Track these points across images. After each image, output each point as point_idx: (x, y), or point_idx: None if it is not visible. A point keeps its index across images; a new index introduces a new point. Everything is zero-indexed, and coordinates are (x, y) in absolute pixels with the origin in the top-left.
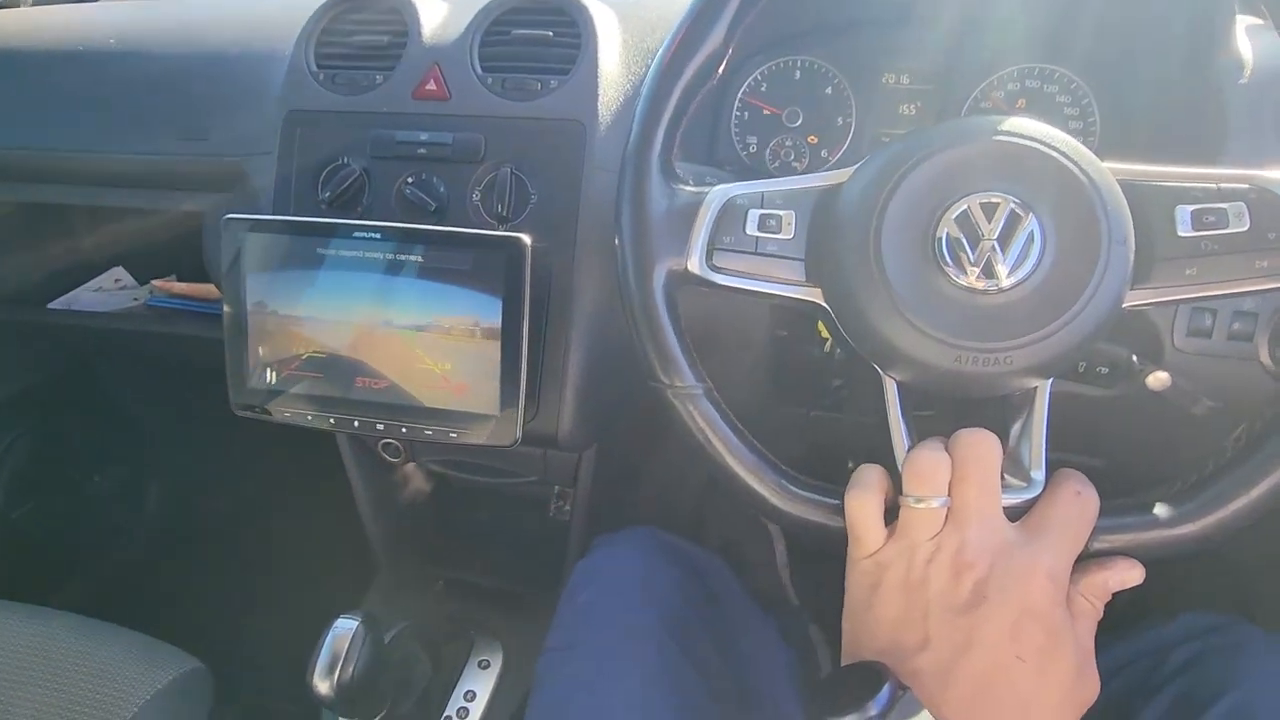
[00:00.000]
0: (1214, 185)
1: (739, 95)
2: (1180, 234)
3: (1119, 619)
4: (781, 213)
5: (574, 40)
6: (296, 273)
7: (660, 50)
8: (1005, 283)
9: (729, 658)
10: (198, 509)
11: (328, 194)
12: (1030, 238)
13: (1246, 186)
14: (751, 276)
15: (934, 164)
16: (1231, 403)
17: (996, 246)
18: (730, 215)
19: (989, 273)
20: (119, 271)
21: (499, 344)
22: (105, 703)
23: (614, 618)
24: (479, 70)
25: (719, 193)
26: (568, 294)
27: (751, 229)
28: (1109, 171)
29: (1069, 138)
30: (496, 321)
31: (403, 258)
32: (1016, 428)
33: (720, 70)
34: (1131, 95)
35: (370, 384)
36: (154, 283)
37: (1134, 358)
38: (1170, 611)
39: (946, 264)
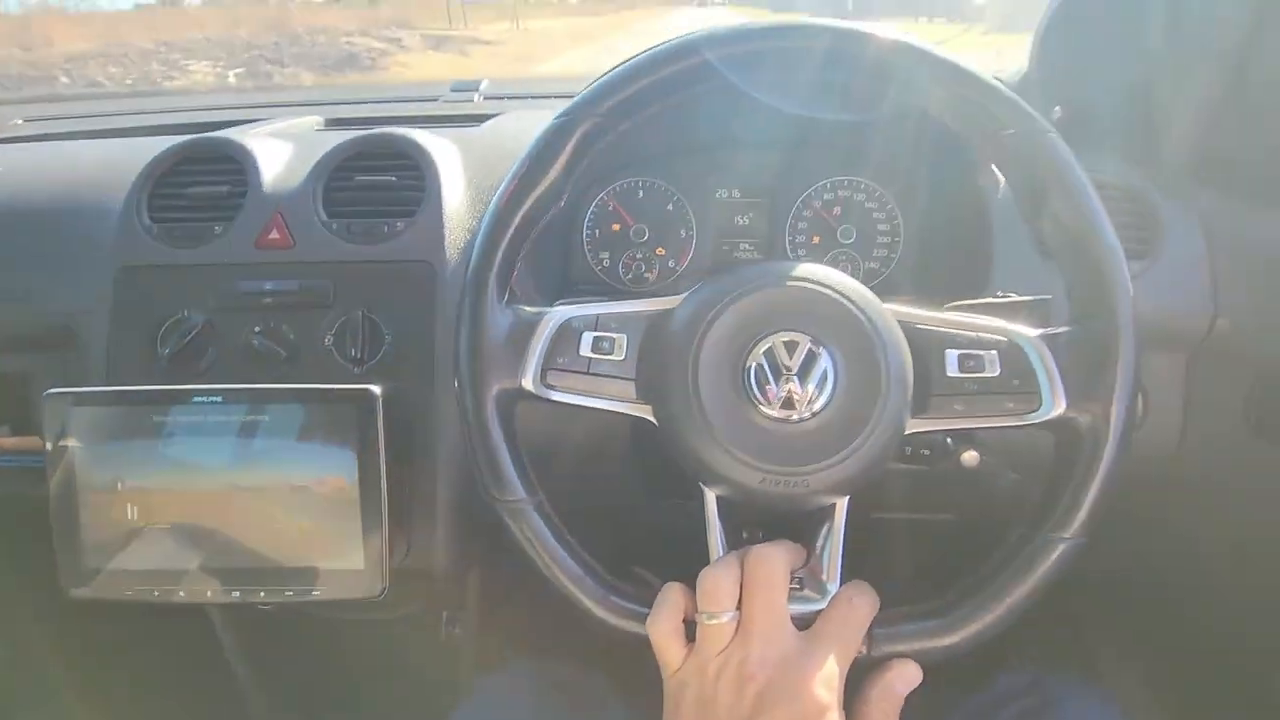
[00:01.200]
0: (974, 333)
1: (588, 215)
2: (949, 374)
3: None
4: (615, 335)
5: (417, 182)
6: (133, 444)
7: (500, 187)
8: (803, 414)
9: None
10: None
11: (168, 350)
12: (824, 375)
13: (1000, 338)
14: (585, 394)
15: (744, 305)
16: (1031, 476)
17: (796, 381)
18: (565, 337)
19: (789, 405)
20: None
21: (357, 496)
22: None
23: None
24: (323, 216)
25: (555, 315)
26: (430, 427)
27: (585, 350)
28: (891, 315)
29: (857, 285)
30: (353, 475)
31: (248, 419)
32: (820, 540)
33: (561, 202)
34: (926, 203)
35: (222, 551)
36: None
37: (948, 440)
38: (987, 671)
39: (754, 395)
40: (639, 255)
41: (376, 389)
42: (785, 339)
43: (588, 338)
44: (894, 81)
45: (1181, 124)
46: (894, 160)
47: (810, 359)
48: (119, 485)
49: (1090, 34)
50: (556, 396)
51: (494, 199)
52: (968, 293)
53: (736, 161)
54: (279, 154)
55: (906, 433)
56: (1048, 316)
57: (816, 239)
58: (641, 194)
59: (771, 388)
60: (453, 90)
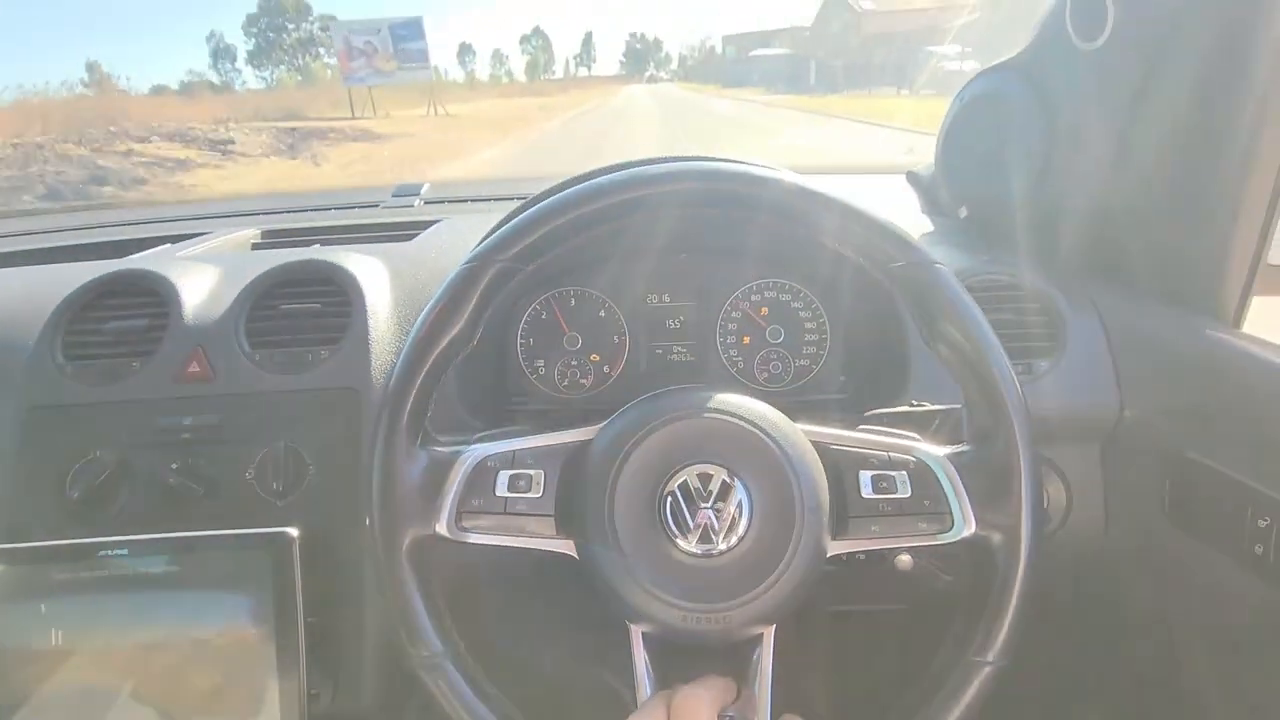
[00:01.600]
0: (886, 454)
1: (522, 324)
2: (864, 495)
3: None
4: (532, 472)
5: (342, 309)
6: (30, 605)
7: (413, 329)
8: (720, 547)
9: None
10: None
11: (77, 493)
12: (739, 507)
13: (909, 458)
14: (503, 533)
15: (658, 438)
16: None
17: (711, 515)
18: (480, 477)
19: (706, 539)
20: None
21: (273, 647)
22: None
23: None
24: (245, 348)
25: (469, 455)
26: (357, 560)
27: (501, 490)
28: (805, 439)
29: (770, 412)
30: (268, 623)
31: (157, 571)
32: (751, 669)
33: (474, 342)
34: (849, 303)
35: (129, 713)
36: None
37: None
38: None
39: (671, 531)
40: (574, 362)
41: (293, 531)
42: (700, 471)
43: (503, 477)
44: (793, 221)
45: (1072, 225)
46: (816, 265)
47: (725, 492)
48: (14, 647)
49: (985, 139)
50: (474, 539)
51: (406, 343)
52: (890, 392)
53: (665, 267)
54: (202, 282)
55: (829, 554)
56: (959, 426)
57: (747, 339)
58: (574, 302)
59: (686, 522)
60: (394, 195)
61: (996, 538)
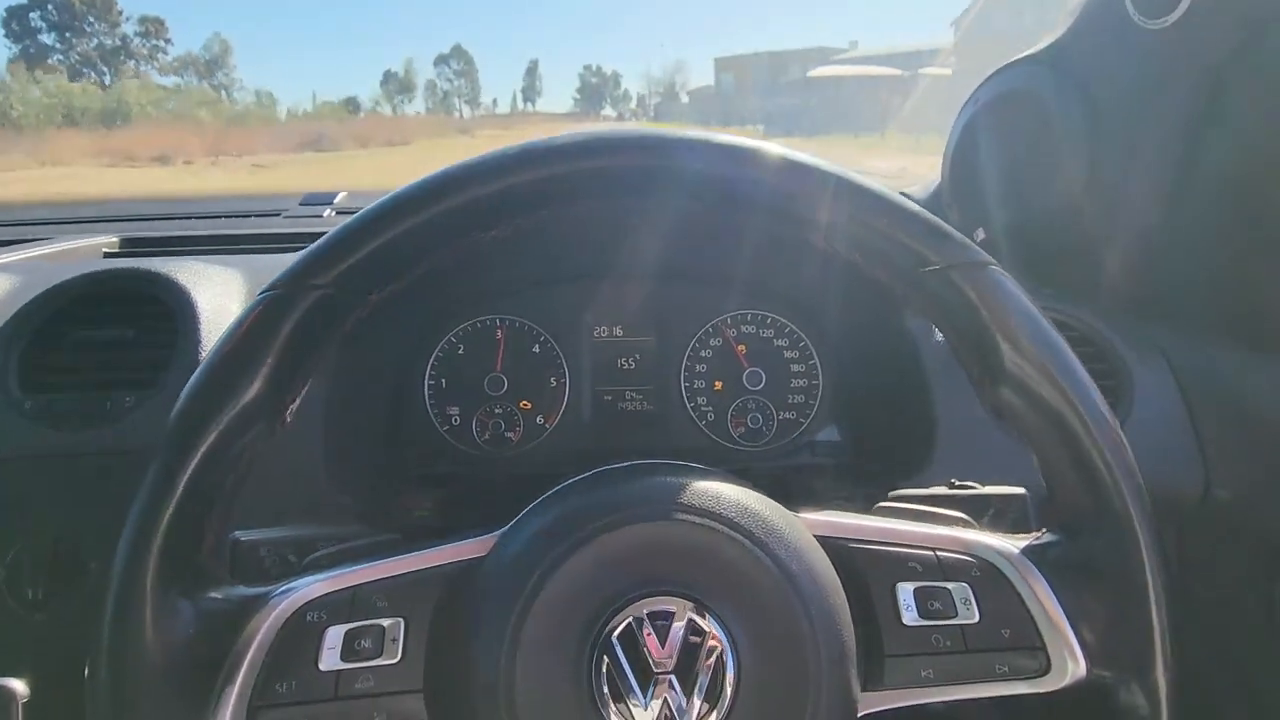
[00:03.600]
0: (933, 553)
1: (431, 361)
2: (907, 622)
3: None
4: (385, 622)
5: (166, 337)
6: None
7: (178, 403)
8: None
9: None
10: None
11: None
12: (718, 664)
13: (968, 558)
14: None
15: (586, 556)
16: None
17: (674, 683)
18: (296, 640)
19: None
20: None
21: None
22: None
23: None
24: (14, 392)
25: (273, 607)
26: None
27: (331, 661)
28: (811, 539)
29: (757, 503)
30: None
31: None
32: None
33: (285, 419)
34: (846, 346)
35: None
36: None
37: None
38: None
39: (607, 710)
40: (498, 410)
41: (18, 685)
42: (654, 607)
43: (335, 636)
44: (775, 208)
45: (1123, 252)
46: (805, 290)
47: (693, 643)
48: None
49: (1007, 148)
50: None
51: (168, 422)
52: (907, 459)
53: (616, 293)
54: None
55: (860, 715)
56: (1024, 518)
57: (719, 385)
58: (499, 334)
59: (637, 694)
60: (301, 204)
61: (1123, 685)
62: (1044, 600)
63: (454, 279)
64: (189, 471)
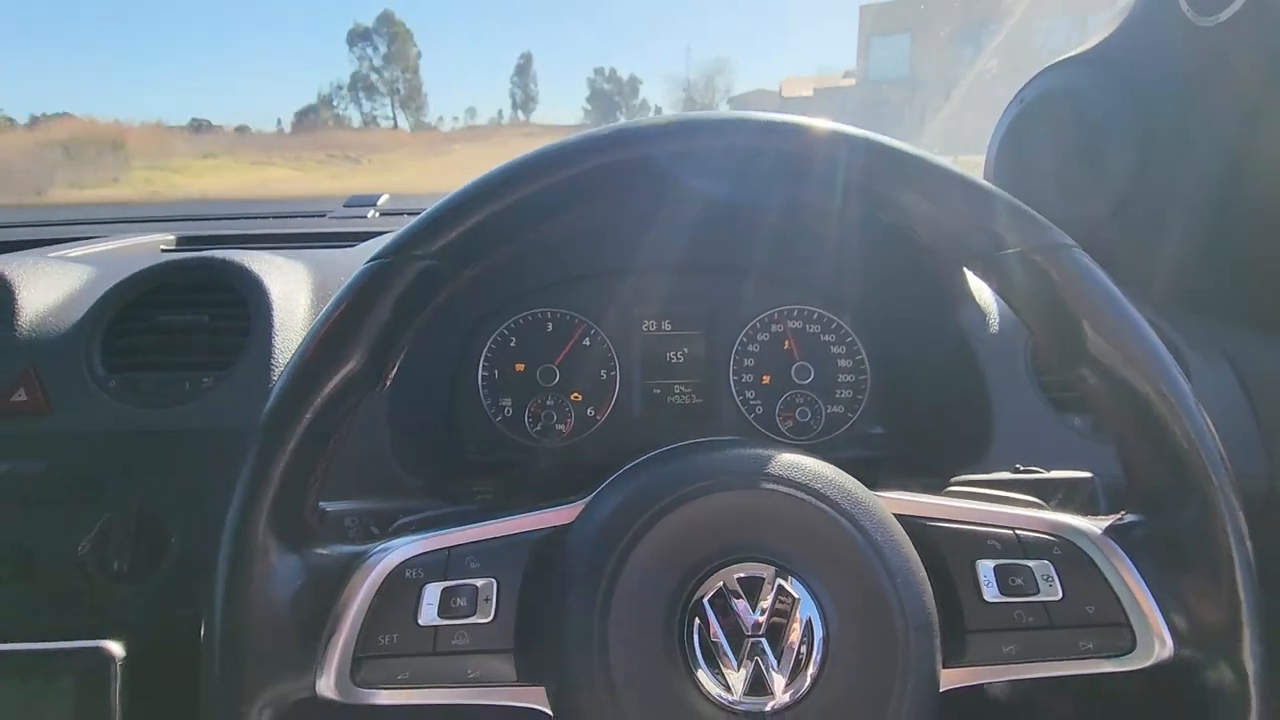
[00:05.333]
0: (1013, 532)
1: (484, 353)
2: (988, 598)
3: None
4: (478, 582)
5: (239, 324)
6: None
7: (288, 363)
8: (780, 700)
9: None
10: None
11: None
12: (808, 630)
13: (1050, 537)
14: (433, 685)
15: (674, 521)
16: None
17: (765, 647)
18: (396, 596)
19: (757, 685)
20: None
21: None
22: None
23: None
24: (99, 371)
25: (376, 562)
26: None
27: (429, 615)
28: (891, 516)
29: (840, 477)
30: None
31: None
32: None
33: (384, 385)
34: (894, 341)
35: None
36: None
37: None
38: None
39: (699, 670)
40: (549, 402)
41: (113, 647)
42: (744, 573)
43: (432, 593)
44: (847, 188)
45: (1178, 252)
46: (852, 286)
47: (784, 605)
48: None
49: (1053, 147)
50: (384, 699)
51: (274, 388)
52: (962, 453)
53: (665, 287)
54: (57, 284)
55: (941, 690)
56: (1093, 501)
57: (767, 379)
58: (550, 327)
59: (727, 658)
60: (345, 205)
61: (1210, 664)
62: (1128, 578)
63: (507, 272)
64: (299, 433)
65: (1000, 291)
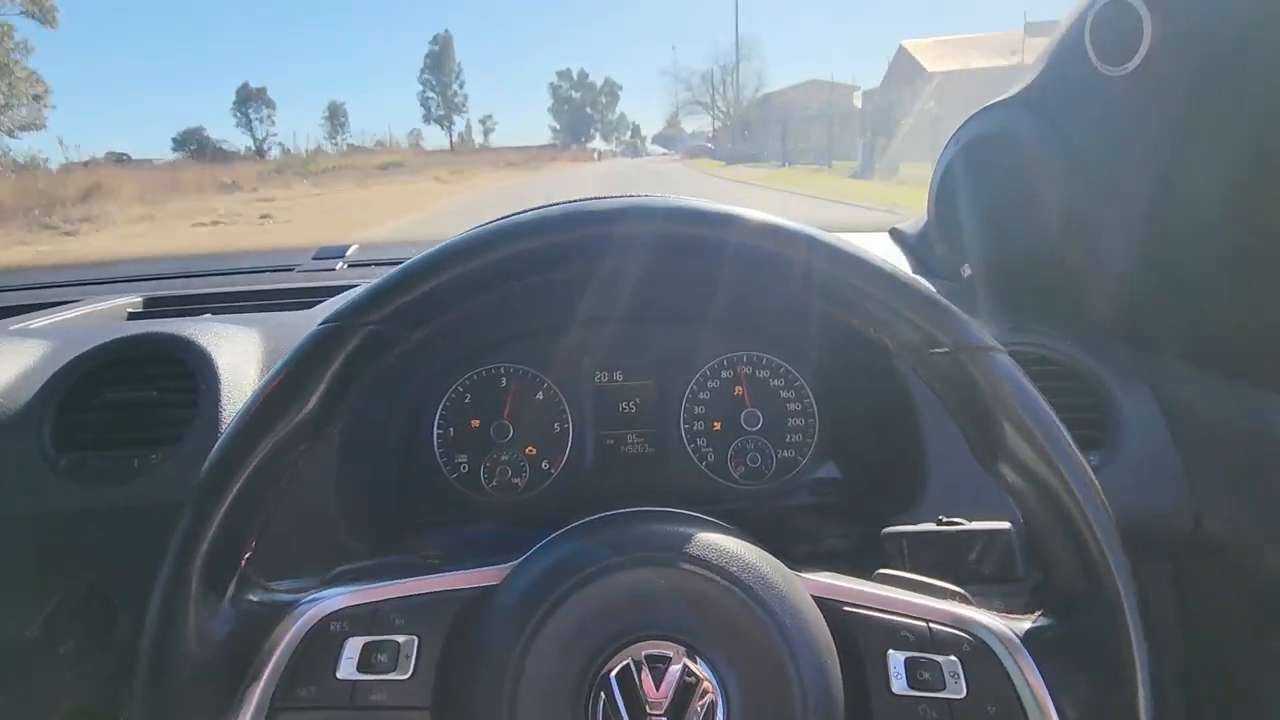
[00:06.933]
0: (925, 625)
1: (439, 411)
2: (896, 690)
3: None
4: (400, 639)
5: (188, 396)
6: None
7: (234, 417)
8: None
9: None
10: None
11: None
12: (711, 711)
13: (961, 634)
14: None
15: (588, 596)
16: None
17: None
18: (318, 648)
19: None
20: None
21: None
22: None
23: None
24: (49, 450)
25: (301, 614)
26: None
27: (348, 670)
28: (808, 599)
29: (756, 558)
30: None
31: None
32: None
33: (324, 433)
34: (840, 386)
35: None
36: None
37: None
38: None
39: None
40: (504, 457)
41: None
42: (651, 650)
43: (354, 647)
44: (784, 280)
45: (1107, 287)
46: (800, 333)
47: (688, 684)
48: None
49: (990, 186)
50: None
51: (219, 440)
52: (900, 495)
53: (615, 337)
54: (15, 358)
55: None
56: (1008, 556)
57: (718, 425)
58: (505, 382)
59: None
60: (314, 259)
61: None
62: (1031, 681)
63: (460, 330)
64: (240, 482)
65: (929, 385)
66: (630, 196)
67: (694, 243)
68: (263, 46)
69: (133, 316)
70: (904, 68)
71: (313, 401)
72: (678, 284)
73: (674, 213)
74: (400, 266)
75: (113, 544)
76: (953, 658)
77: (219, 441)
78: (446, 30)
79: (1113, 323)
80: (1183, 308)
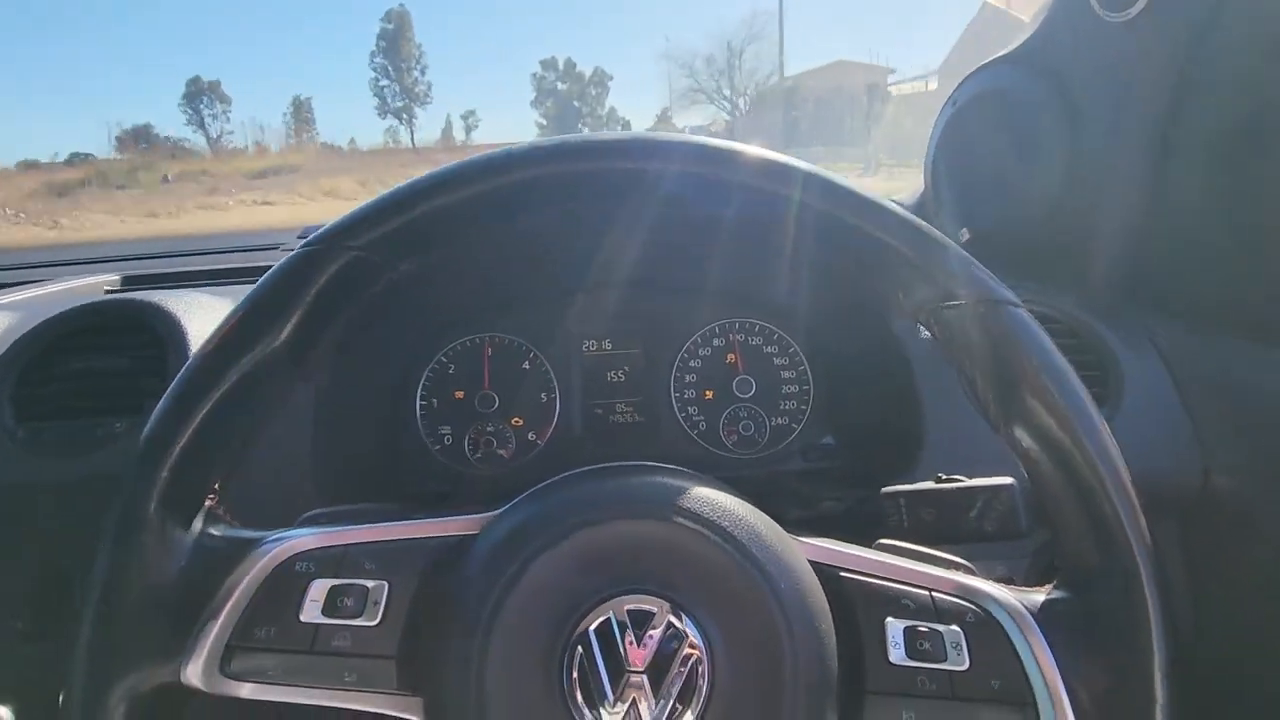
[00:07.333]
0: (927, 593)
1: (422, 381)
2: (893, 660)
3: None
4: (369, 584)
5: (157, 365)
6: None
7: (200, 346)
8: None
9: None
10: None
11: None
12: (693, 672)
13: (966, 604)
14: (305, 684)
15: (568, 549)
16: None
17: (645, 685)
18: (281, 588)
19: None
20: None
21: None
22: None
23: None
24: (7, 420)
25: (265, 552)
26: None
27: (311, 612)
28: (805, 562)
29: (751, 515)
30: None
31: None
32: None
33: (302, 376)
34: (835, 350)
35: None
36: None
37: None
38: None
39: (576, 704)
40: (489, 428)
41: (2, 712)
42: (633, 605)
43: (319, 589)
44: (798, 225)
45: (1108, 245)
46: (791, 297)
47: (670, 645)
48: None
49: (988, 146)
50: (247, 692)
51: (189, 362)
52: (897, 461)
53: (604, 305)
54: None
55: None
56: (1011, 514)
57: (709, 394)
58: (490, 351)
59: (605, 689)
60: (299, 238)
61: None
62: (1040, 655)
63: (442, 298)
64: (207, 407)
65: (942, 343)
66: (633, 132)
67: (703, 184)
68: (217, 38)
69: (110, 293)
70: (989, 24)
71: (288, 328)
72: (667, 249)
73: (682, 148)
74: (386, 192)
75: (70, 519)
76: (955, 628)
77: (185, 365)
78: (401, 4)
79: (1115, 281)
80: (1188, 264)
